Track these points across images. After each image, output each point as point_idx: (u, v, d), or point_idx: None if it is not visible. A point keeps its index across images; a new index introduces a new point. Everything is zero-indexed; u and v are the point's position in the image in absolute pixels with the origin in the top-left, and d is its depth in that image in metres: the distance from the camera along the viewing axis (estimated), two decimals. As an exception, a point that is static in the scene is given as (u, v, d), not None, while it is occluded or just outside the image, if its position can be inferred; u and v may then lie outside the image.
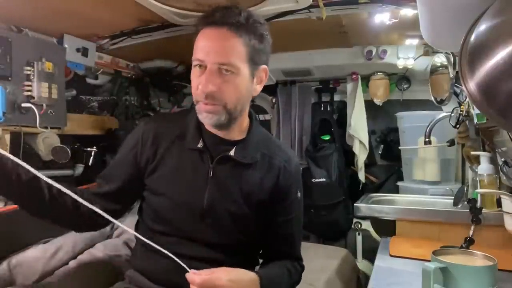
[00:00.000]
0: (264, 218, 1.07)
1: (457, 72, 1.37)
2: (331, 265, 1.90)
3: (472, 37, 0.66)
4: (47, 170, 1.69)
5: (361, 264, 2.25)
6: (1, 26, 1.46)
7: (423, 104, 2.21)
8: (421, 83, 2.19)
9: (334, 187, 2.41)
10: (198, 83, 0.94)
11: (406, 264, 1.35)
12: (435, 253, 1.01)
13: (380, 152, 2.62)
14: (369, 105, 2.42)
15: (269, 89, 2.65)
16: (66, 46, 1.69)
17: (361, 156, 2.40)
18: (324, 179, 2.41)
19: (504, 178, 1.33)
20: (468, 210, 1.45)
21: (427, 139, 1.73)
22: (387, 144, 2.57)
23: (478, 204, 1.43)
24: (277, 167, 1.07)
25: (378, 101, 2.37)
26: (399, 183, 2.36)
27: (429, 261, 0.98)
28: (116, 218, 1.09)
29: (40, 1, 1.31)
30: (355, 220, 2.37)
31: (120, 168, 1.08)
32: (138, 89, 2.36)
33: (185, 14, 1.44)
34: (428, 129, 1.73)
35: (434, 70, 1.71)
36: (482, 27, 0.64)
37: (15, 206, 1.43)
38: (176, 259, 0.87)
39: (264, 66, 1.02)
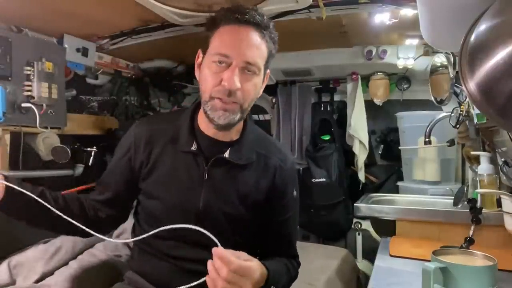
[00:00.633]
0: (260, 218, 1.06)
1: (457, 72, 1.37)
2: (331, 265, 1.90)
3: (472, 37, 0.66)
4: (47, 170, 1.69)
5: (361, 264, 2.26)
6: (1, 26, 1.47)
7: (423, 104, 2.21)
8: (421, 83, 2.19)
9: (334, 187, 2.41)
10: (220, 79, 0.92)
11: (406, 264, 1.34)
12: (435, 253, 1.01)
13: (380, 152, 2.62)
14: (369, 105, 2.42)
15: (269, 89, 2.65)
16: (66, 46, 1.70)
17: (361, 156, 2.40)
18: (324, 179, 2.41)
19: (504, 178, 1.33)
20: (468, 210, 1.45)
21: (427, 139, 1.73)
22: (387, 144, 2.57)
23: (478, 204, 1.43)
24: (273, 166, 1.06)
25: (378, 101, 2.37)
26: (399, 183, 2.36)
27: (429, 261, 0.98)
28: (120, 221, 1.12)
29: (40, 1, 1.31)
30: (355, 220, 2.37)
31: (115, 174, 1.08)
32: (138, 89, 2.37)
33: (185, 14, 1.44)
34: (428, 129, 1.73)
35: (434, 70, 1.71)
36: (482, 27, 0.64)
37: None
38: (206, 232, 0.83)
39: (268, 70, 1.03)
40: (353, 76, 2.40)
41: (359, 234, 2.31)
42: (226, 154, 1.01)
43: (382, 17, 1.54)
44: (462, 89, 1.36)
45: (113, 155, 1.13)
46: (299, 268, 1.15)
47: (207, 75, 0.94)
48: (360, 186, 2.49)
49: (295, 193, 1.11)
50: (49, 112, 1.55)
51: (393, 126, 2.48)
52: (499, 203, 1.34)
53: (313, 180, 2.44)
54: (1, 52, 1.37)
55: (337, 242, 2.51)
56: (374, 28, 1.68)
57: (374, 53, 2.12)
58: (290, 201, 1.10)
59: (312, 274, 1.74)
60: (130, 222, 1.17)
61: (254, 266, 0.85)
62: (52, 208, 0.87)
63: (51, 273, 1.38)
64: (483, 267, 0.97)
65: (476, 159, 1.49)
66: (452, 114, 1.58)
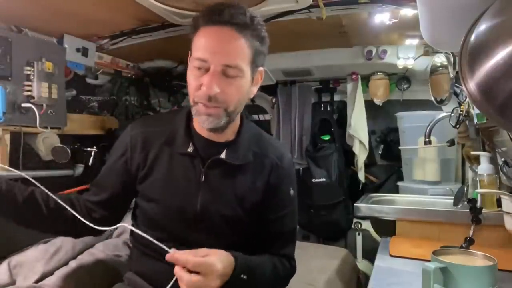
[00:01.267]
0: (257, 218, 1.05)
1: (457, 72, 1.37)
2: (331, 265, 1.90)
3: (472, 37, 0.66)
4: (47, 170, 1.69)
5: (361, 264, 2.26)
6: (1, 26, 1.47)
7: (423, 104, 2.21)
8: (421, 83, 2.19)
9: (334, 187, 2.41)
10: (200, 84, 0.90)
11: (406, 264, 1.34)
12: (435, 253, 1.01)
13: (380, 152, 2.62)
14: (369, 105, 2.42)
15: (269, 89, 2.66)
16: (66, 46, 1.70)
17: (361, 156, 2.40)
18: (324, 179, 2.41)
19: (504, 178, 1.33)
20: (468, 210, 1.45)
21: (427, 139, 1.73)
22: (387, 144, 2.57)
23: (478, 204, 1.43)
24: (269, 164, 1.05)
25: (378, 101, 2.37)
26: (399, 183, 2.36)
27: (429, 261, 0.98)
28: (114, 223, 1.10)
29: (40, 1, 1.31)
30: (355, 220, 2.37)
31: (111, 176, 1.07)
32: (138, 89, 2.37)
33: (185, 14, 1.44)
34: (428, 129, 1.73)
35: (434, 70, 1.71)
36: (482, 27, 0.64)
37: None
38: (157, 242, 0.84)
39: (261, 68, 0.99)
40: (353, 76, 2.40)
41: (359, 234, 2.31)
42: (223, 155, 1.00)
43: (382, 17, 1.54)
44: (462, 89, 1.36)
45: (111, 156, 1.13)
46: (293, 271, 1.12)
47: (190, 80, 0.93)
48: (360, 186, 2.49)
49: (291, 191, 1.09)
50: (49, 112, 1.55)
51: (393, 126, 2.48)
52: (499, 203, 1.34)
53: (313, 180, 2.44)
54: (1, 52, 1.37)
55: (337, 242, 2.51)
56: (374, 28, 1.68)
57: (374, 53, 2.12)
58: (284, 199, 1.08)
59: (312, 274, 1.74)
60: (129, 222, 1.17)
61: (212, 259, 0.84)
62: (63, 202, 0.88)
63: (51, 273, 1.37)
64: (483, 267, 0.97)
65: (476, 159, 1.49)
66: (452, 114, 1.58)
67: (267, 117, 2.87)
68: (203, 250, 0.86)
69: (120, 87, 2.21)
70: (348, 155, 2.50)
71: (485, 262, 0.99)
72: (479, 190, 1.40)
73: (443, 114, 1.72)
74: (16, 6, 1.36)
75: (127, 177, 1.05)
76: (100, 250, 1.53)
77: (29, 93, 1.48)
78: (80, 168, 1.84)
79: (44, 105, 1.52)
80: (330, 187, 2.41)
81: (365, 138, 2.38)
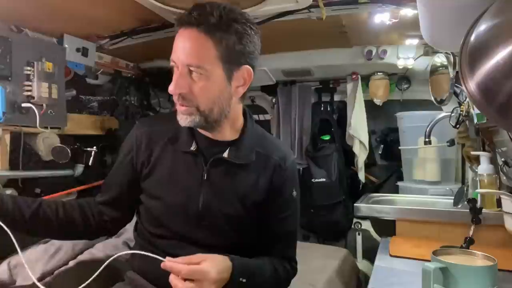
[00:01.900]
0: (259, 218, 1.06)
1: (457, 72, 1.37)
2: (331, 265, 1.90)
3: (472, 37, 0.66)
4: (47, 170, 1.69)
5: (361, 264, 2.25)
6: (1, 26, 1.47)
7: (423, 104, 2.21)
8: (421, 83, 2.19)
9: (334, 187, 2.41)
10: None
11: (406, 264, 1.35)
12: (435, 253, 1.01)
13: (380, 152, 2.62)
14: (369, 105, 2.41)
15: (269, 89, 2.66)
16: (66, 46, 1.70)
17: (361, 156, 2.40)
18: (324, 179, 2.41)
19: (504, 178, 1.33)
20: (468, 210, 1.45)
21: (427, 139, 1.73)
22: (387, 144, 2.57)
23: (478, 204, 1.43)
24: (272, 165, 1.05)
25: (378, 101, 2.37)
26: (399, 183, 2.36)
27: (429, 261, 0.98)
28: (125, 223, 1.15)
29: (40, 1, 1.31)
30: (355, 220, 2.36)
31: (118, 175, 1.09)
32: (138, 89, 2.37)
33: (185, 14, 1.44)
34: (428, 129, 1.73)
35: (434, 70, 1.71)
36: (482, 27, 0.64)
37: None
38: (151, 254, 0.88)
39: (246, 67, 0.96)
40: (353, 76, 2.40)
41: (359, 234, 2.31)
42: (225, 154, 1.01)
43: (382, 17, 1.54)
44: (462, 89, 1.36)
45: (113, 155, 1.14)
46: (294, 272, 1.13)
47: None
48: (360, 186, 2.49)
49: (294, 193, 1.10)
50: (49, 112, 1.55)
51: (393, 126, 2.48)
52: (499, 203, 1.34)
53: (313, 180, 2.44)
54: (1, 52, 1.37)
55: (337, 242, 2.51)
56: (374, 28, 1.68)
57: (374, 53, 2.11)
58: (287, 200, 1.09)
59: (312, 274, 1.74)
60: (132, 221, 1.17)
61: (206, 266, 0.85)
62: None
63: (51, 273, 1.38)
64: (483, 267, 0.97)
65: (476, 159, 1.49)
66: (452, 114, 1.58)
67: (267, 117, 2.87)
68: (198, 256, 0.87)
69: (120, 87, 2.21)
70: (348, 155, 2.50)
71: (485, 262, 0.99)
72: (479, 190, 1.40)
73: (443, 114, 1.72)
74: (16, 6, 1.36)
75: (133, 175, 1.06)
76: (100, 250, 1.53)
77: (29, 93, 1.48)
78: (80, 168, 1.84)
79: (44, 105, 1.52)
80: (330, 187, 2.41)
81: (365, 138, 2.38)
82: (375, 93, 2.35)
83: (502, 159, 1.29)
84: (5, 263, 1.30)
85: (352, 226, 2.39)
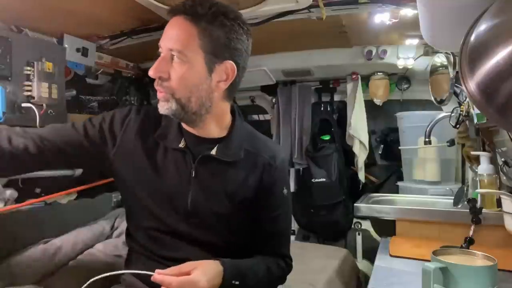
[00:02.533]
0: (249, 216, 1.05)
1: (457, 72, 1.37)
2: (331, 265, 1.90)
3: (472, 37, 0.66)
4: (47, 170, 1.69)
5: (361, 264, 2.26)
6: (1, 26, 1.47)
7: (423, 104, 2.21)
8: (421, 83, 2.19)
9: (334, 187, 2.41)
10: None
11: (406, 264, 1.35)
12: (435, 253, 1.01)
13: (380, 152, 2.62)
14: (369, 105, 2.42)
15: (269, 89, 2.66)
16: (66, 46, 1.70)
17: (361, 156, 2.40)
18: (324, 179, 2.42)
19: (504, 178, 1.33)
20: (468, 210, 1.45)
21: (427, 139, 1.73)
22: (387, 144, 2.58)
23: (478, 204, 1.43)
24: (261, 164, 1.05)
25: (378, 101, 2.37)
26: (399, 183, 2.36)
27: (429, 261, 0.98)
28: (38, 165, 1.02)
29: (40, 1, 1.31)
30: (355, 220, 2.37)
31: (84, 130, 1.00)
32: (138, 89, 2.36)
33: (185, 14, 1.44)
34: (428, 129, 1.73)
35: (434, 70, 1.71)
36: (482, 27, 0.64)
37: (15, 206, 1.43)
38: (137, 271, 0.90)
39: (229, 62, 0.95)
40: (353, 76, 2.40)
41: (359, 234, 2.31)
42: (213, 152, 1.00)
43: (382, 17, 1.55)
44: (462, 89, 1.36)
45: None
46: (289, 269, 1.12)
47: None
48: (360, 186, 2.49)
49: (285, 191, 1.09)
50: (49, 112, 1.55)
51: (393, 126, 2.48)
52: (499, 203, 1.34)
53: (313, 180, 2.44)
54: (1, 52, 1.37)
55: (337, 242, 2.51)
56: (374, 28, 1.69)
57: (374, 53, 2.12)
58: (278, 199, 1.08)
59: (312, 274, 1.75)
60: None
61: (196, 275, 0.85)
62: None
63: (51, 273, 1.37)
64: (483, 267, 0.96)
65: (476, 159, 1.49)
66: (452, 114, 1.58)
67: (267, 117, 2.87)
68: (188, 265, 0.87)
69: (120, 87, 2.21)
70: (348, 155, 2.51)
71: (485, 262, 0.99)
72: (479, 190, 1.40)
73: (443, 114, 1.72)
74: (16, 6, 1.36)
75: (94, 146, 1.00)
76: (100, 250, 1.52)
77: (29, 93, 1.48)
78: (80, 169, 1.84)
79: (44, 105, 1.52)
80: (330, 187, 2.41)
81: (365, 138, 2.38)
82: (375, 93, 2.35)
83: (502, 159, 1.29)
84: (5, 263, 1.30)
85: (352, 226, 2.40)
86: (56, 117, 1.59)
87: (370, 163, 2.55)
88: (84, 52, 1.79)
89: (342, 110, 2.62)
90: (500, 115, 0.63)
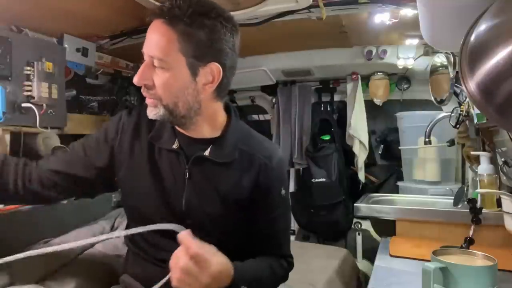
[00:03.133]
0: (245, 217, 1.04)
1: (457, 72, 1.37)
2: (331, 265, 1.90)
3: (472, 37, 0.66)
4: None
5: (361, 264, 2.26)
6: (1, 26, 1.47)
7: (423, 104, 2.21)
8: (421, 83, 2.19)
9: (334, 187, 2.42)
10: None
11: (406, 264, 1.35)
12: (435, 253, 1.01)
13: (380, 152, 2.63)
14: (369, 105, 2.42)
15: (269, 89, 2.66)
16: (66, 46, 1.70)
17: (361, 156, 2.40)
18: (324, 179, 2.42)
19: (504, 178, 1.33)
20: (468, 210, 1.45)
21: (427, 139, 1.74)
22: (387, 144, 2.58)
23: (478, 204, 1.43)
24: (257, 164, 1.02)
25: (378, 101, 2.37)
26: (399, 183, 2.36)
27: (429, 261, 0.98)
28: (60, 199, 1.09)
29: (40, 1, 1.31)
30: (355, 220, 2.37)
31: (92, 156, 1.03)
32: (138, 89, 2.34)
33: (185, 14, 1.44)
34: (428, 129, 1.73)
35: (434, 70, 1.71)
36: (482, 27, 0.64)
37: (15, 206, 1.43)
38: (164, 226, 0.86)
39: (214, 64, 0.92)
40: (353, 76, 2.40)
41: (359, 234, 2.31)
42: (206, 152, 0.99)
43: (382, 17, 1.55)
44: (462, 89, 1.36)
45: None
46: (291, 267, 1.12)
47: None
48: (360, 186, 2.49)
49: (283, 191, 1.07)
50: (49, 112, 1.55)
51: (393, 126, 2.48)
52: (499, 203, 1.34)
53: (313, 180, 2.44)
54: (1, 52, 1.37)
55: (337, 242, 2.52)
56: (374, 28, 1.69)
57: (374, 53, 2.12)
58: (276, 199, 1.06)
59: (312, 274, 1.75)
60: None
61: (214, 261, 0.83)
62: None
63: (51, 273, 1.37)
64: (483, 267, 0.97)
65: (476, 159, 1.49)
66: (452, 114, 1.58)
67: (267, 117, 2.87)
68: (210, 249, 0.86)
69: (120, 87, 2.21)
70: (348, 155, 2.51)
71: (485, 262, 0.99)
72: (479, 190, 1.40)
73: (443, 114, 1.72)
74: (16, 6, 1.36)
75: (108, 163, 1.02)
76: (100, 251, 1.52)
77: (29, 93, 1.48)
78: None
79: (44, 105, 1.52)
80: (330, 187, 2.41)
81: (365, 138, 2.38)
82: (375, 93, 2.35)
83: (502, 159, 1.29)
84: (5, 263, 1.30)
85: (352, 226, 2.40)
86: (56, 117, 1.59)
87: (370, 163, 2.55)
88: (84, 52, 1.79)
89: (342, 110, 2.62)
90: (500, 115, 0.63)
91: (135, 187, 1.02)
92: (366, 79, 2.39)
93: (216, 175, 1.00)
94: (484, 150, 1.45)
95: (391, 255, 1.44)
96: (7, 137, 1.47)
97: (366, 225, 2.30)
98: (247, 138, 1.06)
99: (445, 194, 2.06)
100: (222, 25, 0.91)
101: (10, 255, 1.39)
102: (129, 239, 1.09)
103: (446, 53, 1.57)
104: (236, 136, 1.03)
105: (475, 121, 1.30)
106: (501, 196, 1.28)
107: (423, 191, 2.15)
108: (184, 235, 0.82)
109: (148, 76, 0.92)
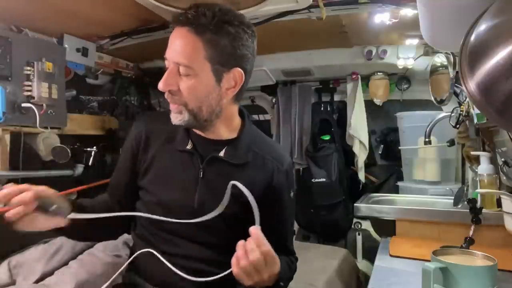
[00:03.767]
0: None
1: (457, 72, 1.37)
2: (331, 265, 1.90)
3: (472, 37, 0.66)
4: (47, 170, 1.69)
5: (361, 264, 2.26)
6: (1, 26, 1.47)
7: (423, 104, 2.21)
8: (421, 83, 2.19)
9: (334, 187, 2.41)
10: None
11: (406, 264, 1.35)
12: (435, 253, 1.01)
13: (380, 152, 2.62)
14: (369, 105, 2.42)
15: (269, 89, 2.66)
16: (66, 46, 1.70)
17: (361, 156, 2.40)
18: (324, 179, 2.41)
19: (504, 178, 1.33)
20: (468, 210, 1.45)
21: (427, 139, 1.74)
22: (387, 144, 2.57)
23: (478, 204, 1.43)
24: (270, 167, 1.07)
25: (378, 101, 2.37)
26: (399, 183, 2.36)
27: (429, 261, 0.98)
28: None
29: (40, 1, 1.31)
30: (355, 220, 2.37)
31: (120, 176, 1.12)
32: (138, 89, 2.37)
33: (185, 14, 1.44)
34: (428, 129, 1.73)
35: (434, 70, 1.71)
36: (482, 27, 0.64)
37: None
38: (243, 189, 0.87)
39: (237, 69, 0.96)
40: (353, 76, 2.40)
41: (359, 234, 2.31)
42: (221, 153, 1.02)
43: (382, 17, 1.54)
44: (462, 89, 1.36)
45: (113, 155, 1.14)
46: (297, 262, 1.17)
47: None
48: (360, 186, 2.49)
49: (291, 194, 1.12)
50: (49, 112, 1.55)
51: (393, 126, 2.48)
52: (499, 203, 1.34)
53: (313, 180, 2.44)
54: (1, 52, 1.38)
55: (337, 242, 2.51)
56: (374, 28, 1.68)
57: (374, 53, 2.11)
58: (286, 202, 1.11)
59: (312, 274, 1.75)
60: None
61: (278, 261, 0.88)
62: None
63: (51, 273, 1.38)
64: (483, 267, 0.97)
65: (476, 159, 1.49)
66: (452, 114, 1.58)
67: (267, 117, 2.87)
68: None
69: (120, 87, 2.21)
70: (348, 155, 2.50)
71: (485, 262, 0.99)
72: (479, 190, 1.40)
73: (443, 114, 1.72)
74: (16, 6, 1.36)
75: (135, 175, 1.08)
76: (100, 250, 1.53)
77: (29, 93, 1.48)
78: (80, 168, 1.84)
79: (44, 105, 1.52)
80: (330, 187, 2.41)
81: (365, 138, 2.38)
82: (375, 93, 2.35)
83: (502, 159, 1.29)
84: (5, 263, 1.30)
85: (352, 226, 2.40)
86: (56, 117, 1.59)
87: (370, 163, 2.55)
88: (84, 52, 1.79)
89: (342, 110, 2.61)
90: (500, 115, 0.63)
91: (150, 188, 1.05)
92: (366, 79, 2.39)
93: (229, 175, 1.01)
94: (484, 150, 1.45)
95: (391, 255, 1.44)
96: (7, 137, 1.48)
97: (366, 225, 2.31)
98: (259, 141, 1.10)
99: (445, 194, 2.06)
100: (244, 31, 0.95)
101: (10, 255, 1.39)
102: (137, 234, 1.11)
103: (446, 53, 1.57)
104: (249, 138, 1.07)
105: (475, 121, 1.30)
106: (501, 196, 1.28)
107: (423, 191, 2.15)
108: (256, 230, 0.84)
109: (173, 82, 0.94)
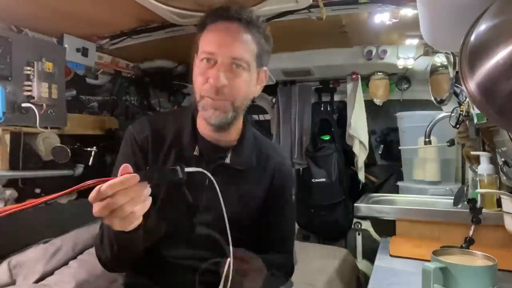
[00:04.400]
0: (258, 220, 1.07)
1: (457, 72, 1.37)
2: (331, 265, 1.90)
3: (472, 37, 0.66)
4: (47, 170, 1.69)
5: (361, 264, 2.26)
6: (1, 26, 1.47)
7: (423, 104, 2.21)
8: (421, 83, 2.19)
9: (334, 187, 2.41)
10: (207, 78, 0.91)
11: (406, 264, 1.35)
12: (435, 253, 1.01)
13: (380, 152, 2.62)
14: (369, 105, 2.42)
15: (269, 89, 2.66)
16: (66, 46, 1.70)
17: (361, 156, 2.40)
18: (324, 179, 2.42)
19: (504, 178, 1.33)
20: (468, 210, 1.45)
21: (427, 139, 1.74)
22: (387, 144, 2.57)
23: (478, 204, 1.43)
24: (272, 168, 1.07)
25: (378, 101, 2.37)
26: (399, 183, 2.36)
27: (429, 261, 0.98)
28: None
29: (40, 1, 1.31)
30: (355, 220, 2.37)
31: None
32: (138, 89, 2.37)
33: (185, 14, 1.44)
34: (428, 129, 1.73)
35: (434, 70, 1.71)
36: (482, 27, 0.64)
37: (15, 206, 1.43)
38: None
39: (265, 68, 1.00)
40: (353, 76, 2.40)
41: (359, 234, 2.31)
42: (228, 160, 1.01)
43: (382, 17, 1.54)
44: (462, 89, 1.36)
45: (113, 155, 1.13)
46: (293, 268, 1.17)
47: (196, 75, 0.95)
48: (360, 186, 2.49)
49: (292, 193, 1.14)
50: (49, 112, 1.55)
51: (393, 126, 2.48)
52: (499, 203, 1.34)
53: (313, 180, 2.44)
54: (1, 52, 1.38)
55: (337, 242, 2.51)
56: (374, 28, 1.68)
57: (374, 53, 2.11)
58: (287, 202, 1.11)
59: (312, 274, 1.75)
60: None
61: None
62: None
63: (51, 273, 1.38)
64: (483, 267, 0.97)
65: (476, 159, 1.49)
66: (452, 114, 1.58)
67: (267, 117, 2.87)
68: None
69: (120, 87, 2.21)
70: (348, 155, 2.50)
71: (485, 262, 0.99)
72: (479, 190, 1.40)
73: (443, 114, 1.72)
74: (16, 6, 1.36)
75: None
76: (100, 250, 1.52)
77: (29, 93, 1.48)
78: (80, 168, 1.84)
79: (44, 105, 1.52)
80: (330, 187, 2.41)
81: (365, 138, 2.38)
82: (375, 93, 2.35)
83: (502, 159, 1.29)
84: (5, 263, 1.30)
85: (352, 226, 2.40)
86: (56, 117, 1.59)
87: (370, 163, 2.55)
88: (84, 52, 1.79)
89: (342, 110, 2.62)
90: (500, 115, 0.63)
91: (155, 193, 1.01)
92: (366, 79, 2.39)
93: (236, 181, 1.02)
94: (484, 150, 1.45)
95: (391, 255, 1.44)
96: (7, 137, 1.48)
97: (366, 225, 2.31)
98: (260, 143, 1.10)
99: (445, 194, 2.06)
100: (269, 32, 0.97)
101: (10, 255, 1.39)
102: None
103: (446, 53, 1.57)
104: (250, 141, 1.07)
105: (475, 121, 1.30)
106: (501, 196, 1.28)
107: (423, 191, 2.15)
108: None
109: (228, 78, 0.91)
